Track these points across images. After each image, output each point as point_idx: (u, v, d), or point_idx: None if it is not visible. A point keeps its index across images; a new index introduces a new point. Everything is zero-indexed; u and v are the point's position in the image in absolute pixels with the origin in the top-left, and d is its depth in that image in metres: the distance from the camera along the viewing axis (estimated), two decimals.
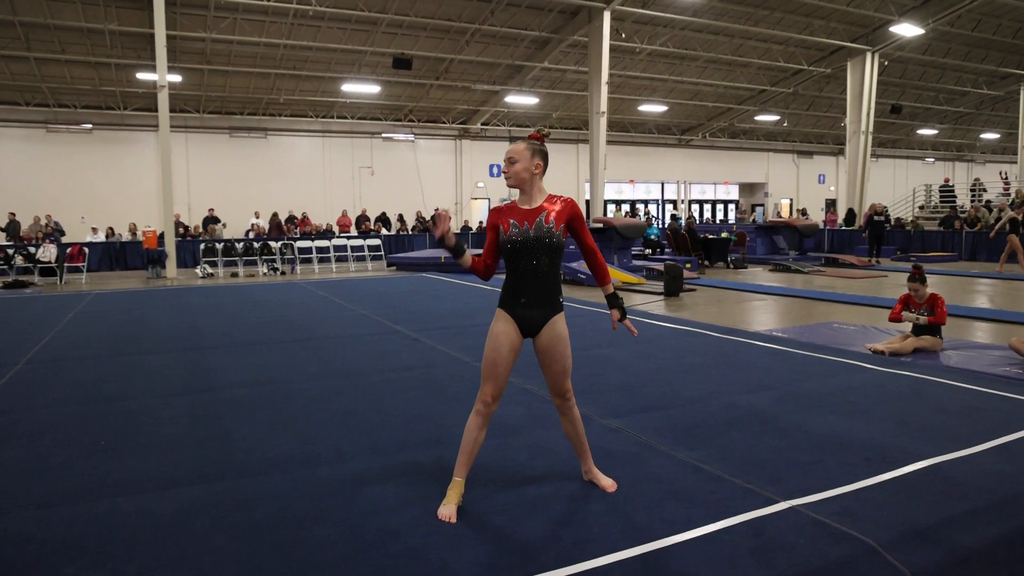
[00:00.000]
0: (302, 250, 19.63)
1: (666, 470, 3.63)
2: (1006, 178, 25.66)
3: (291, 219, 24.13)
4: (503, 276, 3.37)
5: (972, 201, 24.95)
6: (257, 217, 23.94)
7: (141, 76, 21.42)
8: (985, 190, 26.68)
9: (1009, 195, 22.99)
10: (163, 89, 16.30)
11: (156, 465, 3.83)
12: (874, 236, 20.57)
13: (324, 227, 24.30)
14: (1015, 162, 32.23)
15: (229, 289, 14.00)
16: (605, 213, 24.93)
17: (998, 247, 19.75)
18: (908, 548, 2.75)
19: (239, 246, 19.02)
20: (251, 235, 22.60)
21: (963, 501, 3.18)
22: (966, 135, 40.52)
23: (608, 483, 3.39)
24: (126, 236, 21.39)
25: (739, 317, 9.75)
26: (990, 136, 40.16)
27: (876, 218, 20.85)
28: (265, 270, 18.27)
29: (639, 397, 5.04)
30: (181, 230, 21.57)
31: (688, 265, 15.59)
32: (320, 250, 19.85)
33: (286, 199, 25.37)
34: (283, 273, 18.06)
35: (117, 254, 20.16)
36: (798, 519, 2.99)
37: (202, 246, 18.85)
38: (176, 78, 21.36)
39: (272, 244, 19.19)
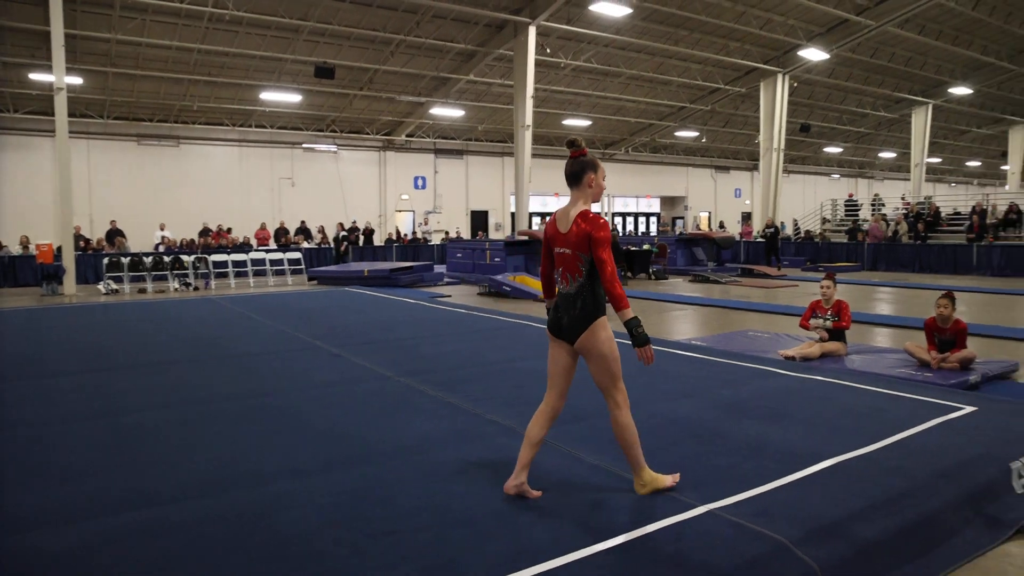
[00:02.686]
0: (217, 264, 18.77)
1: (591, 480, 3.68)
2: (906, 200, 27.16)
3: (206, 232, 23.31)
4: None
5: (873, 214, 26.21)
6: (163, 229, 22.87)
7: (35, 77, 20.23)
8: (884, 204, 28.14)
9: (906, 211, 24.33)
10: (61, 92, 15.32)
11: (57, 497, 3.61)
12: (769, 247, 21.92)
13: (241, 240, 23.67)
14: (909, 179, 34.11)
15: (137, 306, 13.31)
16: (530, 226, 25.14)
17: (896, 257, 21.04)
18: (816, 543, 2.91)
19: (147, 260, 17.92)
20: (161, 248, 21.71)
21: (865, 496, 3.37)
22: (867, 153, 42.73)
23: (536, 494, 3.47)
24: (16, 250, 19.59)
25: (661, 327, 9.99)
26: (888, 155, 42.50)
27: (768, 230, 22.00)
28: (177, 285, 17.46)
29: (565, 409, 5.09)
30: (82, 243, 20.40)
31: None
32: (237, 264, 19.09)
33: (200, 211, 24.48)
34: (196, 288, 17.36)
35: (6, 269, 18.62)
36: (716, 522, 3.10)
37: (105, 260, 17.55)
38: (76, 80, 20.32)
39: (184, 258, 18.33)
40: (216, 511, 3.38)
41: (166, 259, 18.21)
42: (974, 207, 21.50)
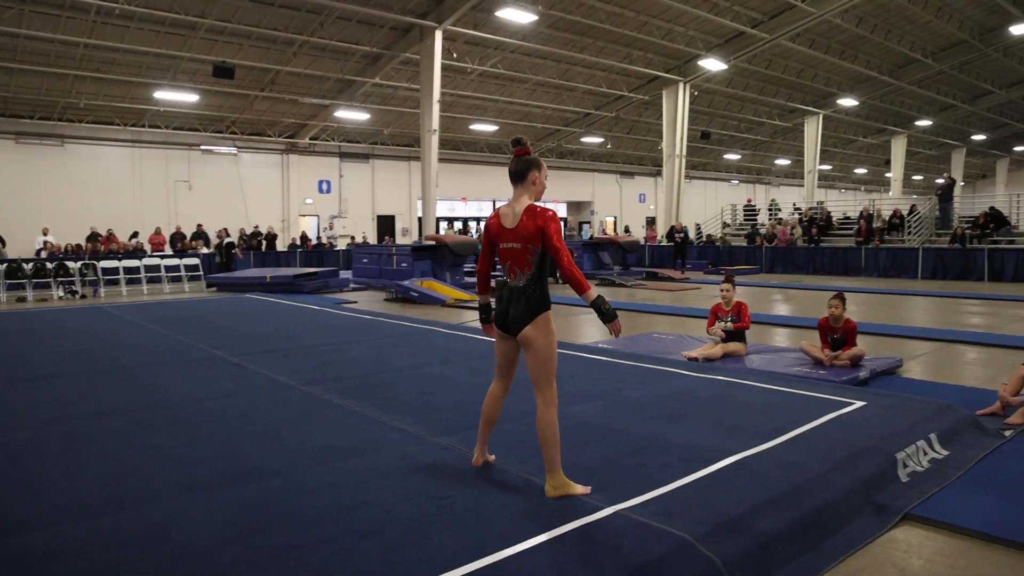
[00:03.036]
0: (107, 271, 17.75)
1: (499, 485, 3.65)
2: (797, 207, 28.44)
3: (94, 236, 22.00)
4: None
5: (770, 219, 27.33)
6: (45, 234, 21.54)
7: None
8: (780, 209, 29.37)
9: (800, 216, 25.49)
10: None
11: None
12: (676, 251, 22.70)
13: (134, 245, 22.60)
14: (803, 185, 35.72)
15: (15, 316, 12.43)
16: (437, 231, 25.05)
17: (792, 260, 22.01)
18: (719, 539, 2.97)
19: (27, 266, 16.68)
20: (43, 254, 20.32)
21: (764, 490, 3.47)
22: (764, 160, 44.54)
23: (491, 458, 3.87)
24: None
25: (569, 331, 10.08)
26: (783, 162, 44.46)
27: (677, 235, 22.71)
28: (61, 293, 16.40)
29: (471, 414, 5.00)
30: None
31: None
32: (129, 270, 18.06)
33: (89, 214, 23.26)
34: (84, 297, 16.42)
35: None
36: (623, 522, 3.12)
37: None
38: None
39: (70, 264, 17.17)
40: (101, 534, 3.16)
41: (49, 265, 17.04)
42: (862, 212, 22.66)
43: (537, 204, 3.51)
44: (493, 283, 3.94)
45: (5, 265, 16.62)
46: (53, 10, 18.07)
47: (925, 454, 4.22)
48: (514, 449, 4.19)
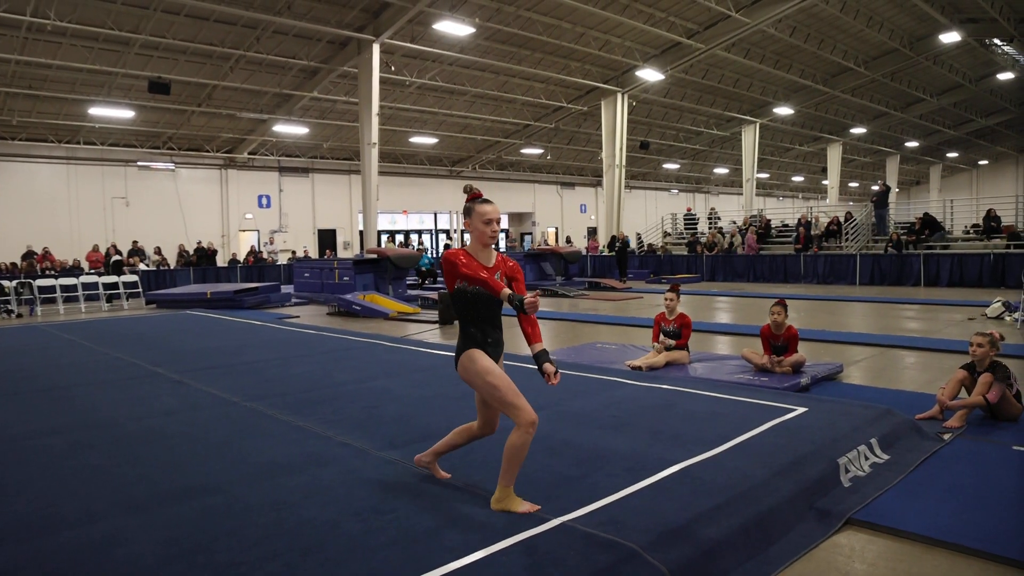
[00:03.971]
0: (44, 289, 17.39)
1: (443, 499, 3.66)
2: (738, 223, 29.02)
3: (30, 255, 21.48)
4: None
5: (710, 228, 27.81)
6: None
7: None
8: (719, 218, 29.94)
9: (737, 223, 26.02)
10: None
11: None
12: (619, 260, 22.99)
13: (71, 263, 22.00)
14: (742, 193, 36.42)
15: None
16: (379, 244, 24.85)
17: (733, 268, 22.39)
18: (665, 547, 3.01)
19: None
20: None
21: (709, 498, 3.51)
22: (703, 169, 45.36)
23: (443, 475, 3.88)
24: None
25: (511, 342, 10.04)
26: (721, 171, 45.31)
27: (619, 244, 22.96)
28: None
29: (415, 427, 5.04)
30: None
31: None
32: (66, 288, 17.71)
33: (23, 232, 22.62)
34: (20, 316, 16.00)
35: None
36: (568, 533, 3.14)
37: None
38: None
39: (5, 283, 16.80)
40: (36, 556, 3.10)
41: None
42: (800, 219, 23.14)
43: (451, 247, 3.54)
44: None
45: None
46: None
47: (866, 459, 4.28)
48: (460, 463, 4.20)
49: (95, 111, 22.60)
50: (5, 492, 3.95)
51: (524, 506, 3.43)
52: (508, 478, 3.44)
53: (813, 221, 23.38)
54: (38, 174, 24.43)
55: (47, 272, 20.07)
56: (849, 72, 28.50)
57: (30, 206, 23.91)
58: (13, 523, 3.48)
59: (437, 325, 12.25)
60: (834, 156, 39.25)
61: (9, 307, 16.26)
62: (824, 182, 43.67)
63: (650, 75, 25.08)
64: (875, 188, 24.43)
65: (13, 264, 21.25)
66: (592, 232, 39.50)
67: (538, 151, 35.19)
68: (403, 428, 5.03)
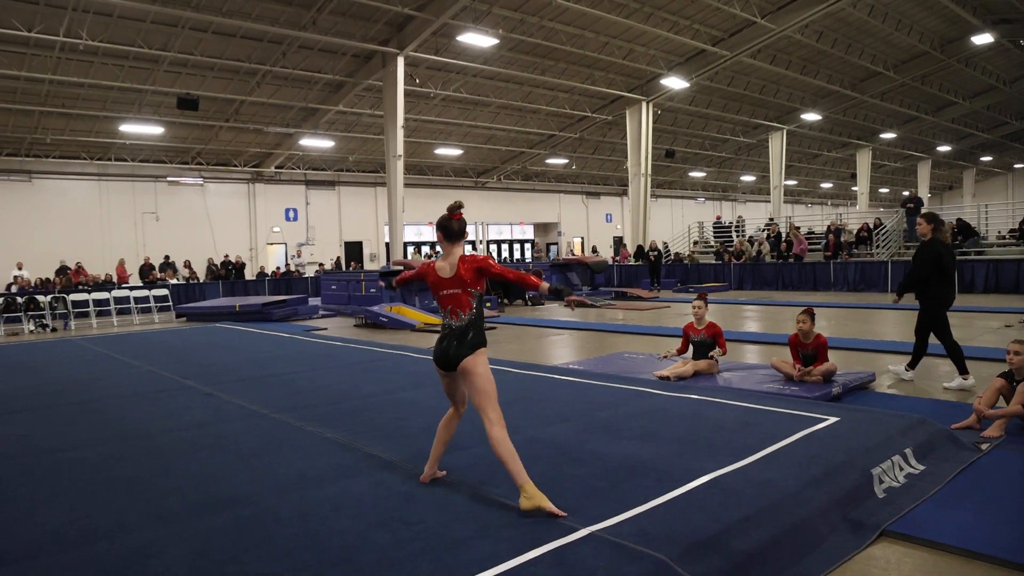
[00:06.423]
0: (77, 303, 17.76)
1: (473, 508, 3.65)
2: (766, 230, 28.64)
3: (64, 270, 21.94)
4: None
5: (738, 236, 27.54)
6: (20, 268, 21.54)
7: None
8: (743, 227, 29.62)
9: (766, 231, 25.73)
10: None
11: None
12: (652, 269, 22.87)
13: (103, 278, 22.38)
14: (769, 201, 36.04)
15: None
16: (405, 255, 24.99)
17: (761, 276, 22.18)
18: (695, 559, 2.97)
19: None
20: (13, 288, 20.33)
21: (739, 509, 3.46)
22: (729, 177, 44.98)
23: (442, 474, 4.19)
24: None
25: (538, 352, 10.08)
26: (748, 178, 44.88)
27: (651, 253, 22.81)
28: (32, 327, 16.37)
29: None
30: None
31: (488, 304, 15.93)
32: (98, 303, 18.03)
33: (57, 248, 23.07)
34: (54, 330, 16.32)
35: None
36: (597, 544, 3.12)
37: None
38: None
39: (40, 298, 17.21)
40: (73, 566, 3.15)
41: (19, 300, 17.06)
42: (829, 226, 22.83)
43: (466, 253, 4.00)
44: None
45: None
46: (19, 48, 18.05)
47: (901, 469, 4.20)
48: (488, 473, 4.19)
49: (126, 128, 22.98)
50: (41, 504, 4.01)
51: (552, 506, 3.51)
52: (521, 474, 3.59)
53: (843, 227, 23.05)
54: (71, 190, 24.88)
55: (80, 287, 20.40)
56: (878, 76, 28.13)
57: (63, 222, 24.36)
58: (49, 534, 3.53)
59: None
60: (863, 162, 38.62)
61: (44, 321, 16.60)
62: (854, 188, 43.05)
63: (675, 83, 24.98)
64: (906, 194, 24.02)
65: (48, 279, 21.70)
66: (619, 241, 39.37)
67: (563, 161, 35.18)
68: (430, 439, 4.93)
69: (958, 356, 6.77)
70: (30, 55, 18.42)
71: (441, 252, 4.03)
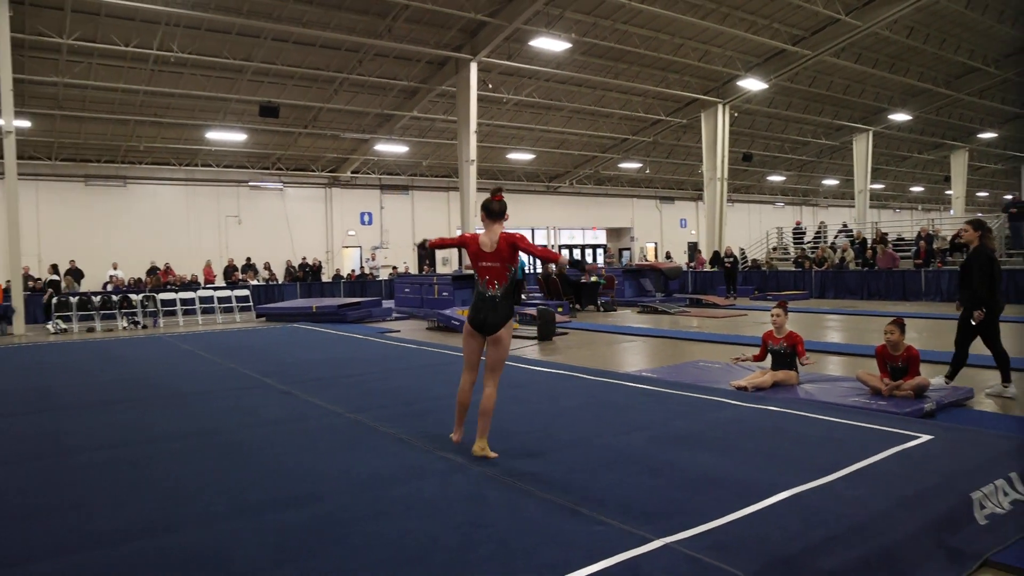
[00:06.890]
0: (165, 302, 18.52)
1: (544, 515, 3.62)
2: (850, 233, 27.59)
3: (154, 270, 23.01)
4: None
5: (819, 242, 26.70)
6: (115, 268, 22.63)
7: None
8: (826, 231, 28.70)
9: (851, 237, 24.83)
10: (10, 135, 15.40)
11: (1, 539, 3.49)
12: (729, 276, 22.31)
13: (189, 278, 23.27)
14: (853, 206, 34.79)
15: (84, 345, 13.06)
16: None
17: (844, 284, 21.28)
18: None
19: (96, 299, 17.77)
20: (109, 287, 21.36)
21: (823, 528, 3.32)
22: (810, 181, 43.65)
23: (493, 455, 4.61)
24: None
25: (611, 359, 9.97)
26: (831, 182, 43.39)
27: (727, 260, 22.28)
28: (125, 324, 17.25)
29: (515, 442, 5.01)
30: (31, 284, 19.99)
31: (560, 309, 15.85)
32: (185, 302, 18.79)
33: (148, 249, 24.17)
34: (145, 327, 17.08)
35: None
36: (672, 556, 3.05)
37: (54, 300, 17.37)
38: (25, 123, 20.22)
39: (133, 297, 18.12)
40: (164, 551, 3.29)
41: (115, 298, 18.03)
42: (920, 233, 21.54)
43: (505, 231, 4.65)
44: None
45: (77, 298, 17.62)
46: (116, 61, 19.20)
47: (1006, 495, 3.86)
48: (560, 479, 4.17)
49: (211, 135, 23.96)
50: (138, 490, 4.22)
51: (492, 453, 4.56)
52: (487, 430, 4.61)
53: (935, 234, 21.82)
54: (161, 195, 26.05)
55: (168, 286, 21.28)
56: (976, 72, 26.80)
57: (154, 224, 25.51)
58: (144, 519, 3.72)
59: (535, 341, 12.20)
60: (959, 164, 36.66)
61: (136, 319, 17.47)
62: (948, 192, 41.09)
63: (752, 84, 24.44)
64: (1008, 198, 22.64)
65: (139, 279, 22.72)
66: (693, 247, 38.74)
67: (636, 165, 34.82)
68: (501, 442, 5.00)
69: (1005, 364, 6.66)
70: (127, 68, 19.58)
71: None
